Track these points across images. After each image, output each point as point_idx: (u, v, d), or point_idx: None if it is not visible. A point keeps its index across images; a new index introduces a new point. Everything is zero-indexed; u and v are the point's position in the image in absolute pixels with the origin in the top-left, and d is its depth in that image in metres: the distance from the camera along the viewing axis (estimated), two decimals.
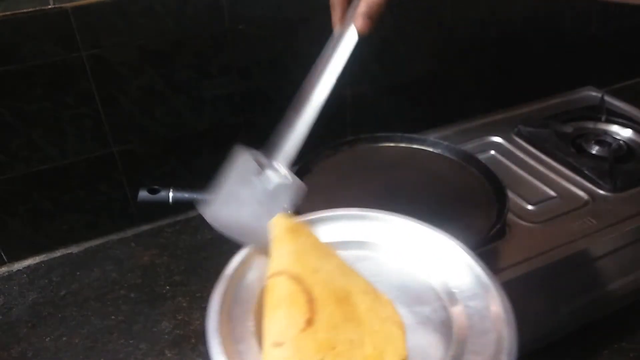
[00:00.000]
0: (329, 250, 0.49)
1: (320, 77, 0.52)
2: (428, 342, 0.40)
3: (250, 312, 0.43)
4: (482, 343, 0.40)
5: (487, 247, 0.67)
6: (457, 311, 0.41)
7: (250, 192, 0.50)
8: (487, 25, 1.06)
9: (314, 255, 0.47)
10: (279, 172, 0.50)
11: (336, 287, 0.44)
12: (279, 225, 0.49)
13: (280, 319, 0.41)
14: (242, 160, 0.50)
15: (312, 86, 0.53)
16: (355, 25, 0.54)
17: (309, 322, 0.40)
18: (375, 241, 0.51)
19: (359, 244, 0.51)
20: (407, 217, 0.52)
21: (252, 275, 0.47)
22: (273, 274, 0.44)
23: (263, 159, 0.51)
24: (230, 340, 0.40)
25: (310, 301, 0.41)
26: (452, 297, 0.44)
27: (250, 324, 0.42)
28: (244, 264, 0.48)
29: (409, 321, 0.42)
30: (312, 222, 0.53)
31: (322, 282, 0.44)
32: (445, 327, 0.41)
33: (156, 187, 0.64)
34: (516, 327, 0.41)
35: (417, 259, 0.48)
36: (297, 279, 0.43)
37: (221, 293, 0.43)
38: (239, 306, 0.43)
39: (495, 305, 0.41)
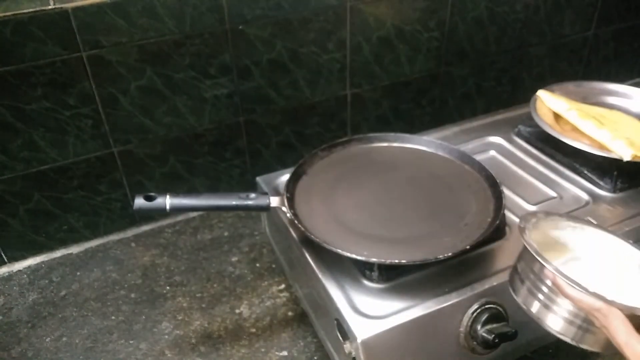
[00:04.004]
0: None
1: None
2: None
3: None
4: None
5: (487, 247, 0.67)
6: None
7: None
8: (487, 25, 1.06)
9: (580, 104, 0.88)
10: None
11: (601, 114, 0.85)
12: (547, 94, 0.89)
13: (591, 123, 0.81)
14: None
15: None
16: None
17: (602, 124, 0.80)
18: None
19: None
20: None
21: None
22: (569, 109, 0.85)
23: None
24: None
25: (594, 118, 0.82)
26: None
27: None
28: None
29: None
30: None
31: (595, 113, 0.85)
32: None
33: (152, 194, 0.64)
34: None
35: None
36: (582, 110, 0.84)
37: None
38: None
39: None
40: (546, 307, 0.52)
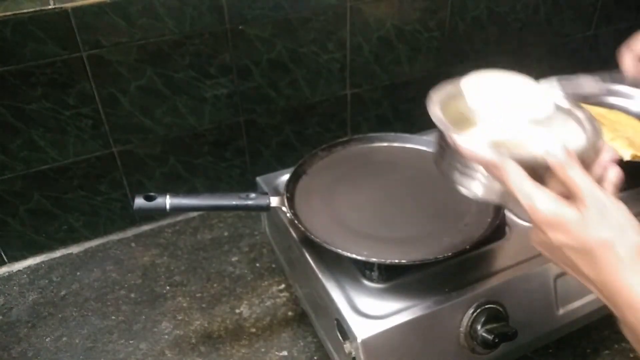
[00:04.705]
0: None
1: None
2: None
3: None
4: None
5: (487, 247, 0.67)
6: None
7: None
8: (487, 25, 1.06)
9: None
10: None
11: (601, 113, 0.79)
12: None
13: None
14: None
15: None
16: None
17: (602, 124, 0.66)
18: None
19: None
20: None
21: None
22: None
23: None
24: None
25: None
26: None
27: None
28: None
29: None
30: None
31: (595, 113, 0.71)
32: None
33: (152, 194, 0.64)
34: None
35: None
36: None
37: None
38: None
39: None
40: (463, 174, 0.51)
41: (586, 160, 0.46)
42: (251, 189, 0.73)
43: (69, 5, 0.74)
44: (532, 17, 1.09)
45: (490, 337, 0.59)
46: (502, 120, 0.51)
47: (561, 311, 0.66)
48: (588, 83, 0.58)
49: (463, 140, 0.47)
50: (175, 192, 0.65)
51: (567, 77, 0.59)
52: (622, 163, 0.73)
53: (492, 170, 0.46)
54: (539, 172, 0.45)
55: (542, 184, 0.45)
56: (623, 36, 1.23)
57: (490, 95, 0.54)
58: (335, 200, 0.71)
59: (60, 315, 0.80)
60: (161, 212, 0.64)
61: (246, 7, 0.84)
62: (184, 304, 0.81)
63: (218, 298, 0.82)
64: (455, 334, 0.60)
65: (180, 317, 0.79)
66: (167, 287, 0.84)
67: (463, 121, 0.52)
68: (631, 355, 0.71)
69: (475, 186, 0.50)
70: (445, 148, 0.52)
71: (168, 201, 0.64)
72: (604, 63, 1.26)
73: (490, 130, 0.51)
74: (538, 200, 0.43)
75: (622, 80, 0.60)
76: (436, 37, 1.02)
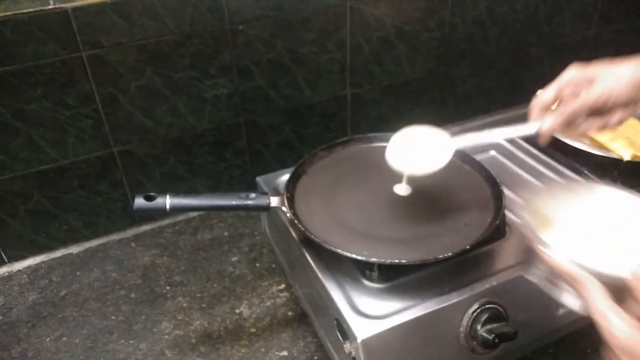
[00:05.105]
0: None
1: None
2: None
3: None
4: None
5: (487, 247, 0.67)
6: None
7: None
8: (487, 25, 1.06)
9: None
10: None
11: None
12: None
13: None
14: None
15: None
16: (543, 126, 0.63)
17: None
18: None
19: None
20: None
21: None
22: None
23: None
24: None
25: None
26: None
27: None
28: None
29: None
30: None
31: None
32: None
33: (152, 194, 0.64)
34: None
35: None
36: None
37: None
38: None
39: None
40: (549, 280, 0.50)
41: None
42: (251, 189, 0.73)
43: (69, 5, 0.74)
44: (532, 17, 1.09)
45: (490, 337, 0.59)
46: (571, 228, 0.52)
47: (561, 311, 0.66)
48: (489, 137, 0.65)
49: (548, 253, 0.47)
50: (175, 192, 0.65)
51: (476, 132, 0.64)
52: (622, 163, 0.73)
53: (573, 284, 0.45)
54: (619, 289, 0.44)
55: (621, 300, 0.43)
56: (623, 36, 1.24)
57: (402, 149, 0.62)
58: (335, 200, 0.71)
59: (60, 315, 0.80)
60: (161, 212, 0.64)
61: (246, 7, 0.84)
62: (184, 304, 0.81)
63: (218, 298, 0.82)
64: (455, 334, 0.60)
65: (180, 317, 0.79)
66: (167, 287, 0.84)
67: (543, 222, 0.52)
68: None
69: (558, 293, 0.50)
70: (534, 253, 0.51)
71: (168, 201, 0.64)
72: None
73: (569, 238, 0.51)
74: (615, 323, 0.42)
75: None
76: (436, 37, 1.02)
